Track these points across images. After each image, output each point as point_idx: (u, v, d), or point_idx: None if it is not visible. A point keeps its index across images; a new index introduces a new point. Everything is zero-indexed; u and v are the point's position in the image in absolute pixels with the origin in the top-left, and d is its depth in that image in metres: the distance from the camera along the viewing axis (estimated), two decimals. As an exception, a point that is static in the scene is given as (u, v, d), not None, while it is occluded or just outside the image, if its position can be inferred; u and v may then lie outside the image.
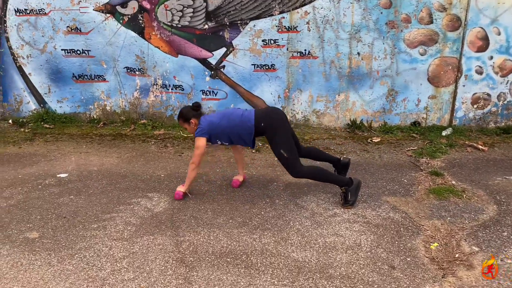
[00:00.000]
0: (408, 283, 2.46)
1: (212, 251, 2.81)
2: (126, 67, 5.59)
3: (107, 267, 2.64)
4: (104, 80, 5.67)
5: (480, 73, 5.23)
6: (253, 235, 3.00)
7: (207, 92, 5.62)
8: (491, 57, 5.16)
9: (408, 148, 4.84)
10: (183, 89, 5.64)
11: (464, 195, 3.58)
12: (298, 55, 5.35)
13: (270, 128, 3.43)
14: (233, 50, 5.40)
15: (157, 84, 5.63)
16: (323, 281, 2.50)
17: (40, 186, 3.84)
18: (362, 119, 5.54)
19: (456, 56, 5.20)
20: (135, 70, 5.60)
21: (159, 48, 5.47)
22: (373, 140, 5.10)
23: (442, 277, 2.51)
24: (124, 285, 2.46)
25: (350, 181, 3.38)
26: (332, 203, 3.48)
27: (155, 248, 2.84)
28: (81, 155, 4.67)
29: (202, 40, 5.40)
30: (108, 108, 5.80)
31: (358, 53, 5.29)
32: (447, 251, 2.76)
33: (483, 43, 5.16)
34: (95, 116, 5.85)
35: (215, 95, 5.63)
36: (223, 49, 5.42)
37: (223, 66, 5.48)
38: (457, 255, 2.71)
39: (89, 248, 2.84)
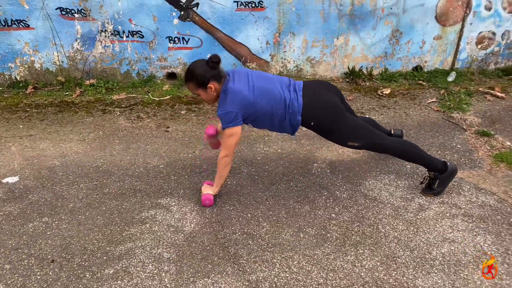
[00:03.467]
0: None
1: (310, 294, 1.94)
2: (59, 8, 4.02)
3: None
4: (28, 26, 4.06)
5: (489, 8, 4.69)
6: (347, 256, 2.18)
7: (176, 39, 4.35)
8: (502, -9, 4.62)
9: (428, 100, 4.25)
10: (142, 36, 4.28)
11: (537, 162, 3.10)
12: (292, -11, 4.28)
13: (322, 125, 2.51)
14: (210, -18, 4.14)
15: (106, 30, 4.19)
16: (487, 324, 1.81)
17: (-17, 205, 2.52)
18: (361, 66, 4.77)
19: (467, -11, 4.56)
20: (73, 11, 4.06)
21: (106, -20, 3.98)
22: (384, 92, 4.40)
23: None
24: None
25: (444, 167, 2.62)
26: (406, 189, 2.76)
27: (226, 302, 1.89)
28: (23, 142, 3.28)
29: (166, -32, 4.03)
30: (37, 65, 4.25)
31: (363, -13, 4.38)
32: None
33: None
34: (18, 78, 4.27)
35: (186, 42, 4.38)
36: (196, -18, 4.13)
37: (196, 4, 4.22)
38: None
39: (122, 320, 1.79)
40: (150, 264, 2.10)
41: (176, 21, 4.25)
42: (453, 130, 3.63)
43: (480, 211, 2.55)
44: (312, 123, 2.45)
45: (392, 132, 2.99)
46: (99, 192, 2.67)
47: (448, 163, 2.60)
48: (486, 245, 2.28)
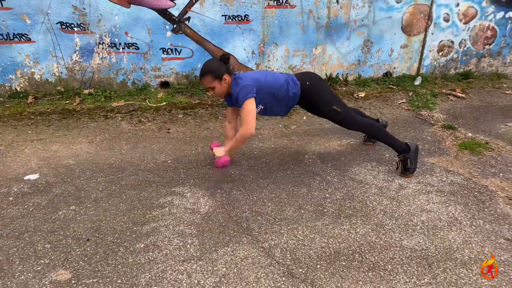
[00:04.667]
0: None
1: (315, 255, 2.31)
2: (60, 22, 4.30)
3: (207, 305, 1.97)
4: (29, 40, 4.31)
5: (447, 20, 5.29)
6: (343, 226, 2.57)
7: (169, 50, 4.69)
8: (457, 4, 5.23)
9: (399, 101, 4.75)
10: (137, 48, 4.61)
11: (494, 148, 3.61)
12: (275, 3, 4.72)
13: (314, 88, 3.03)
14: (200, -2, 4.53)
15: (103, 42, 4.49)
16: (461, 269, 2.23)
17: (11, 198, 2.77)
18: (337, 73, 5.25)
19: (428, 3, 5.14)
20: (72, 25, 4.35)
21: (104, -3, 4.30)
22: (359, 95, 4.88)
23: None
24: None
25: (407, 147, 3.10)
26: (386, 173, 3.19)
27: (246, 264, 2.23)
28: (35, 145, 3.52)
29: (160, -14, 4.39)
30: (37, 76, 4.49)
31: (337, 1, 4.88)
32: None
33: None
34: (18, 89, 4.49)
35: (179, 53, 4.73)
36: (188, -3, 4.51)
37: (188, 18, 4.59)
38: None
39: (159, 282, 2.10)
40: (175, 239, 2.41)
41: (169, 33, 4.60)
42: (423, 125, 4.12)
43: (450, 188, 3.00)
44: (307, 83, 2.97)
45: (380, 121, 3.46)
46: (117, 184, 2.95)
47: (409, 143, 3.10)
48: (457, 212, 2.71)
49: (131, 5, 4.38)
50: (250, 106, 2.77)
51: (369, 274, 2.18)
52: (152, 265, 2.20)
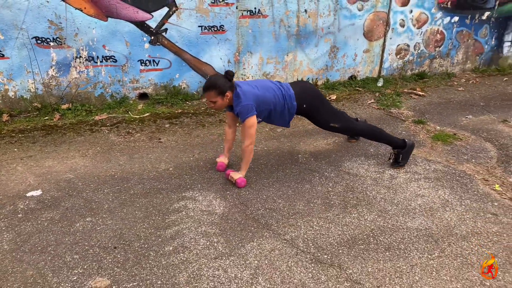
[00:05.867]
0: (526, 225, 2.69)
1: (335, 241, 2.51)
2: (35, 37, 4.22)
3: (250, 295, 2.10)
4: (2, 56, 4.18)
5: (403, 25, 5.77)
6: (351, 214, 2.79)
7: (147, 61, 4.74)
8: (411, 11, 5.72)
9: (368, 102, 5.10)
10: (115, 61, 4.61)
11: (462, 138, 4.02)
12: (248, 14, 4.93)
13: (311, 108, 3.22)
14: (177, 10, 4.62)
15: (80, 56, 4.45)
16: (462, 242, 2.52)
17: (20, 215, 2.72)
18: (308, 78, 5.54)
19: (385, 10, 5.58)
20: (48, 40, 4.28)
21: (81, 10, 4.28)
22: (331, 98, 5.19)
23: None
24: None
25: (404, 143, 3.38)
26: (376, 165, 3.47)
27: (275, 255, 2.38)
28: (26, 162, 3.44)
29: (137, -2, 4.45)
30: (11, 94, 4.35)
31: (305, 10, 5.17)
32: (510, 186, 3.11)
33: (405, -1, 5.70)
34: (-9, 107, 4.33)
35: (157, 64, 4.79)
36: (165, 9, 4.59)
37: (165, 30, 4.67)
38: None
39: (198, 279, 2.20)
40: (201, 239, 2.50)
41: (147, 45, 4.65)
42: (395, 121, 4.48)
43: (435, 175, 3.33)
44: (304, 105, 3.15)
45: (358, 120, 3.73)
46: (126, 194, 2.98)
47: (407, 140, 3.37)
48: (446, 195, 3.03)
49: (109, 18, 4.38)
50: (251, 123, 2.92)
51: (387, 253, 2.41)
52: (187, 265, 2.29)
